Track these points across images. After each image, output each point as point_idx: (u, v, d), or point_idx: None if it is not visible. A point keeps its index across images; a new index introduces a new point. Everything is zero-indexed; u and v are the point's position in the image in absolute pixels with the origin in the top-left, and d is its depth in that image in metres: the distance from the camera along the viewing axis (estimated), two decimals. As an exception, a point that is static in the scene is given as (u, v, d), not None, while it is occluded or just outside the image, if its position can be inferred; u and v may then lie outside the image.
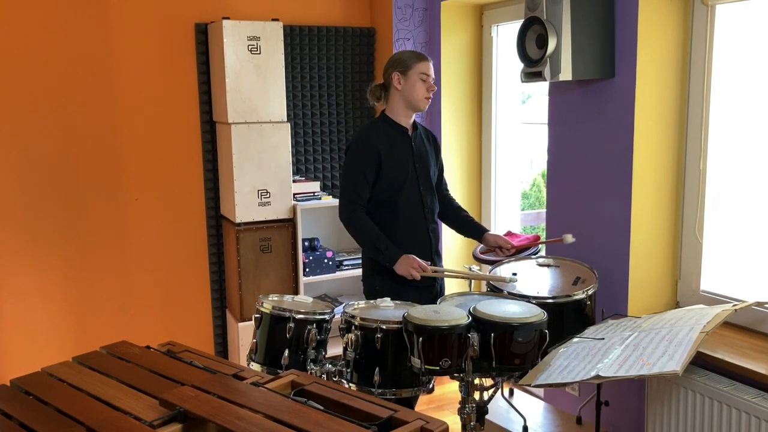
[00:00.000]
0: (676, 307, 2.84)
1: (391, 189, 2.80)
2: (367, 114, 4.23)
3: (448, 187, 3.12)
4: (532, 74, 2.79)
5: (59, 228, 3.62)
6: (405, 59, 2.80)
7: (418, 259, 2.70)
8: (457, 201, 3.12)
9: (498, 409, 2.91)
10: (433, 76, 2.83)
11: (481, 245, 3.10)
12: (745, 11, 2.59)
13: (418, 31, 4.00)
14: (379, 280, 2.86)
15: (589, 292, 2.49)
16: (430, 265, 2.76)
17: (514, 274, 2.73)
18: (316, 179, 4.08)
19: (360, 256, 3.08)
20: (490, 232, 2.96)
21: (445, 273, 2.97)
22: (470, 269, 3.03)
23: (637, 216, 2.76)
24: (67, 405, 1.67)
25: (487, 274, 2.76)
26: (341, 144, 4.20)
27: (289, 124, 3.73)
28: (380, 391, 2.27)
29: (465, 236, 3.12)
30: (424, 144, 2.93)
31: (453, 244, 3.96)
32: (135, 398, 1.70)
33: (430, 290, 2.87)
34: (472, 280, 3.23)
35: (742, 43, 2.61)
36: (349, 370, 2.35)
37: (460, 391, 2.33)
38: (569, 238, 2.80)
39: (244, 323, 3.72)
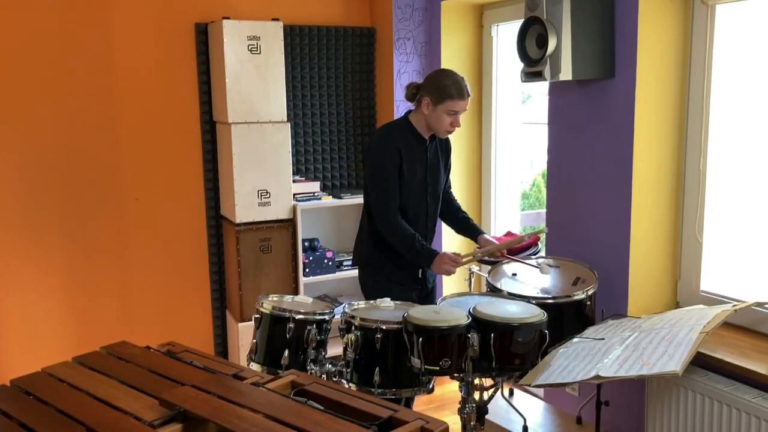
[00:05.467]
0: (676, 307, 2.84)
1: (399, 193, 2.79)
2: (368, 114, 4.23)
3: (452, 187, 3.12)
4: (532, 74, 2.79)
5: (59, 228, 3.62)
6: (441, 91, 2.70)
7: (448, 254, 2.71)
8: (457, 201, 3.12)
9: (498, 409, 2.91)
10: (465, 110, 2.74)
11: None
12: (745, 11, 2.59)
13: (418, 31, 4.00)
14: (372, 278, 2.90)
15: (589, 292, 2.49)
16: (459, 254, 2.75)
17: (514, 275, 2.74)
18: (316, 179, 4.08)
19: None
20: (484, 235, 2.93)
21: (483, 256, 2.82)
22: (470, 270, 3.03)
23: (637, 216, 2.75)
24: (67, 405, 1.67)
25: (521, 259, 2.78)
26: (341, 144, 4.20)
27: (289, 124, 3.73)
28: (380, 391, 2.28)
29: (462, 236, 3.12)
30: (437, 153, 2.92)
31: (452, 245, 3.95)
32: (135, 398, 1.70)
33: (416, 291, 2.91)
34: (473, 280, 3.24)
35: (742, 43, 2.61)
36: (349, 370, 2.35)
37: (460, 391, 2.33)
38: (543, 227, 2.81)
39: (244, 323, 3.72)
